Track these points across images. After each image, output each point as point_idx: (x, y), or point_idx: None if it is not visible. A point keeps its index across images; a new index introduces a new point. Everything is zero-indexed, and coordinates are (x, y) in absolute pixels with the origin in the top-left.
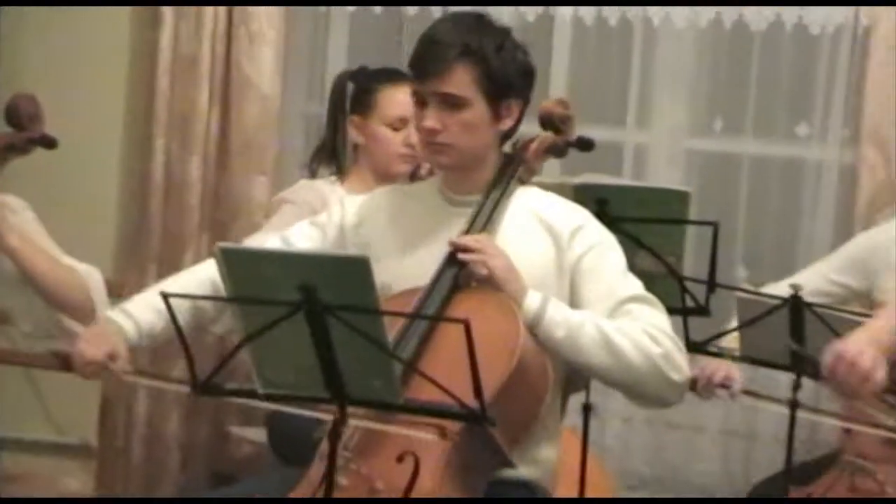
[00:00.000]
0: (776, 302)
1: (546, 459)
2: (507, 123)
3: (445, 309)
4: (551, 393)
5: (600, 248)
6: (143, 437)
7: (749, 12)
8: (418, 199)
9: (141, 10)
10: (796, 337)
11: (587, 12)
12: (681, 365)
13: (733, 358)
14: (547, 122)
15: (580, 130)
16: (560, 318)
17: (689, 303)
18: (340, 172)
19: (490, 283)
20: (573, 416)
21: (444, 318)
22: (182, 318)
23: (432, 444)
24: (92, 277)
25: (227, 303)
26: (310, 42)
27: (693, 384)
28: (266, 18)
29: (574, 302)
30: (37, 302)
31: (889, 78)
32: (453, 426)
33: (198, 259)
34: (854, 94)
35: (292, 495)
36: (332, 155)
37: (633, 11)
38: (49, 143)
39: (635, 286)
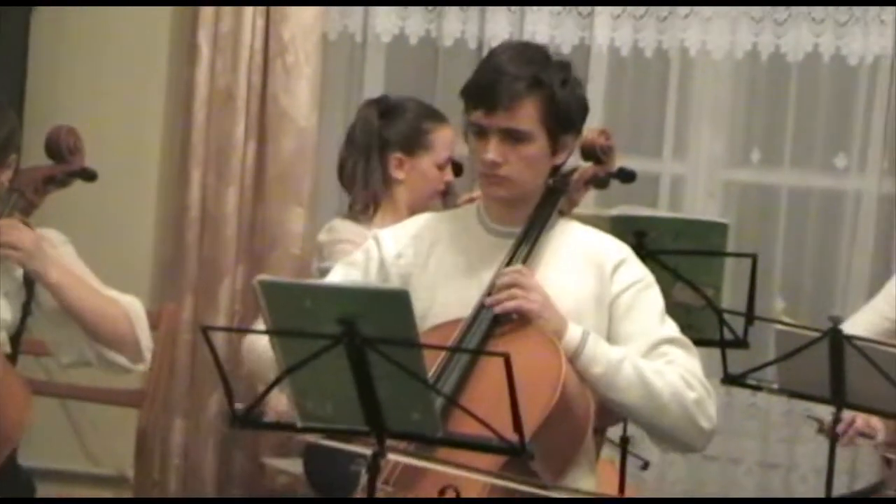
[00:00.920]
0: (815, 335)
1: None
2: (561, 157)
3: (486, 342)
4: (592, 426)
5: (640, 286)
6: (179, 469)
7: (786, 43)
8: (457, 227)
9: (178, 44)
10: (836, 369)
11: (623, 42)
12: (712, 414)
13: (771, 391)
14: (589, 153)
15: (618, 162)
16: (599, 355)
17: (728, 335)
18: (372, 207)
19: (534, 319)
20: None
21: (484, 352)
22: None
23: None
24: (134, 308)
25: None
26: (346, 74)
27: (831, 430)
28: (302, 51)
29: (610, 337)
30: (78, 334)
31: None
32: (498, 461)
33: (234, 290)
34: (893, 124)
35: None
36: (360, 188)
37: (670, 42)
38: (89, 175)
39: (672, 328)
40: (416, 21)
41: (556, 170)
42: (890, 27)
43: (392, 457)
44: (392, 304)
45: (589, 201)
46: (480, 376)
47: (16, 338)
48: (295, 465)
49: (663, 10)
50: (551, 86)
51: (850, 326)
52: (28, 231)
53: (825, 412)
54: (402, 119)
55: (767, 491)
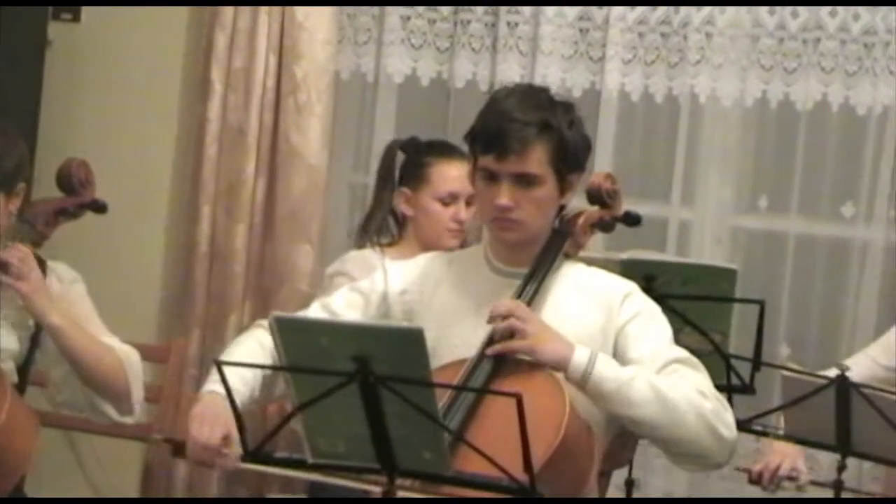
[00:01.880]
0: (822, 382)
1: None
2: (568, 197)
3: (491, 381)
4: (596, 468)
5: (647, 315)
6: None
7: (796, 91)
8: (464, 267)
9: (191, 80)
10: (842, 417)
11: (634, 88)
12: (730, 422)
13: (777, 437)
14: (595, 196)
15: (625, 206)
16: (610, 372)
17: (735, 381)
18: (390, 242)
19: (531, 356)
20: (614, 491)
21: (495, 392)
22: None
23: None
24: (129, 360)
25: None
26: (357, 113)
27: (758, 477)
28: (314, 90)
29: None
30: (73, 377)
31: None
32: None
33: (241, 325)
34: None
35: None
36: (381, 225)
37: (680, 88)
38: (99, 208)
39: (680, 350)
40: (427, 62)
41: (561, 210)
42: None
43: (401, 494)
44: (406, 342)
45: (598, 245)
46: (485, 415)
47: (24, 368)
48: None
49: (674, 57)
50: (560, 129)
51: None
52: (35, 266)
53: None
54: (413, 154)
55: None
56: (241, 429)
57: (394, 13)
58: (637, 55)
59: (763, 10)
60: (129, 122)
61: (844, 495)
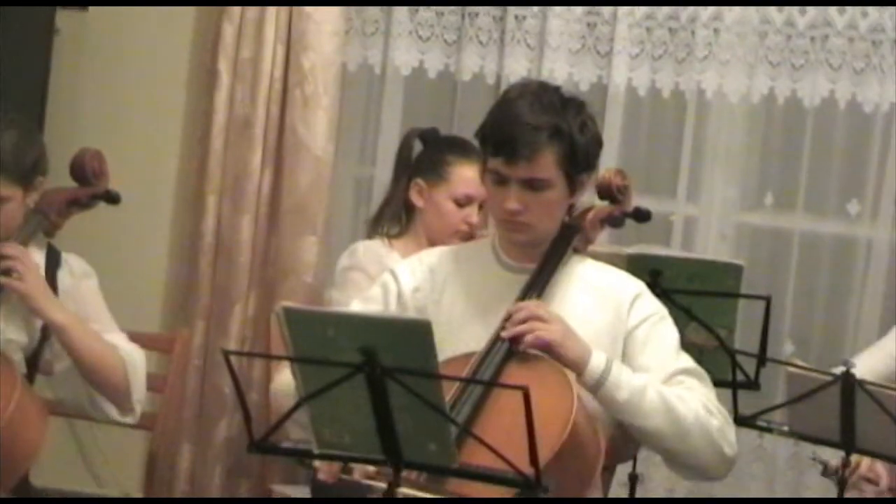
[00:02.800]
0: (827, 378)
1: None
2: (578, 196)
3: (499, 376)
4: (601, 463)
5: (655, 319)
6: (186, 494)
7: (803, 88)
8: (473, 263)
9: (198, 71)
10: (847, 414)
11: (641, 83)
12: (733, 441)
13: (781, 433)
14: (605, 192)
15: (633, 202)
16: (624, 381)
17: (739, 376)
18: (397, 233)
19: (550, 353)
20: (616, 486)
21: (503, 385)
22: None
23: None
24: (132, 359)
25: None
26: (364, 106)
27: (834, 472)
28: (321, 81)
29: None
30: (74, 373)
31: None
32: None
33: (245, 317)
34: None
35: None
36: (395, 213)
37: (687, 83)
38: (113, 198)
39: (687, 360)
40: (435, 55)
41: (571, 207)
42: None
43: (407, 491)
44: (414, 334)
45: (603, 240)
46: (492, 409)
47: (33, 359)
48: (303, 493)
49: (681, 52)
50: (570, 133)
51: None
52: (32, 263)
53: (832, 456)
54: (433, 148)
55: None
56: (247, 419)
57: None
58: (644, 50)
59: (771, 7)
60: (136, 113)
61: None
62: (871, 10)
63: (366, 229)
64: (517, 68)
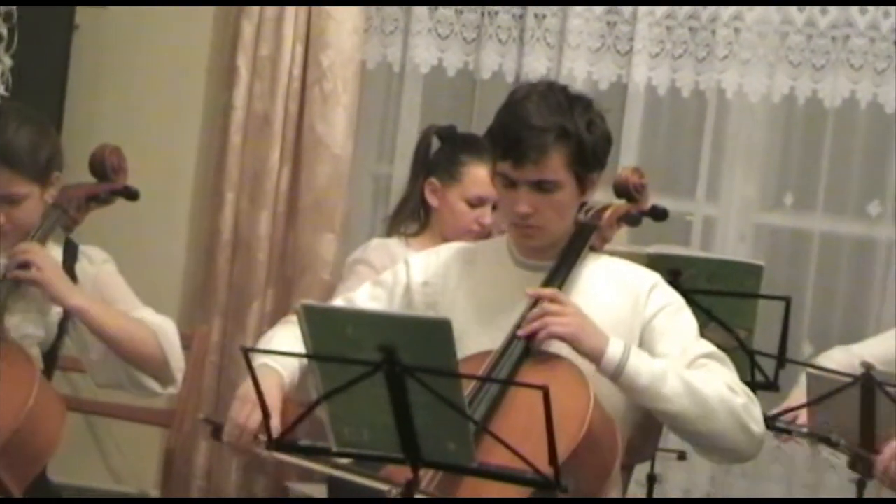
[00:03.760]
0: (847, 380)
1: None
2: (589, 194)
3: (516, 374)
4: (619, 461)
5: (673, 308)
6: (202, 491)
7: (824, 88)
8: (488, 260)
9: (217, 67)
10: (867, 415)
11: (661, 82)
12: (759, 418)
13: (801, 435)
14: (622, 190)
15: (651, 200)
16: (643, 366)
17: (759, 377)
18: (415, 232)
19: (572, 344)
20: (634, 487)
21: (523, 384)
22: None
23: None
24: (164, 330)
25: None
26: (382, 103)
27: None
28: (340, 79)
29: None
30: (111, 356)
31: None
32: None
33: (263, 314)
34: None
35: None
36: (413, 211)
37: (707, 83)
38: (132, 194)
39: (707, 345)
40: (454, 53)
41: (583, 204)
42: None
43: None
44: (433, 333)
45: (623, 239)
46: (508, 408)
47: (51, 354)
48: (319, 491)
49: (701, 51)
50: (578, 133)
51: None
52: (47, 254)
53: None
54: (449, 147)
55: None
56: (265, 416)
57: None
58: (665, 49)
59: (792, 7)
60: (155, 109)
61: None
62: (893, 10)
63: (383, 227)
64: (537, 67)
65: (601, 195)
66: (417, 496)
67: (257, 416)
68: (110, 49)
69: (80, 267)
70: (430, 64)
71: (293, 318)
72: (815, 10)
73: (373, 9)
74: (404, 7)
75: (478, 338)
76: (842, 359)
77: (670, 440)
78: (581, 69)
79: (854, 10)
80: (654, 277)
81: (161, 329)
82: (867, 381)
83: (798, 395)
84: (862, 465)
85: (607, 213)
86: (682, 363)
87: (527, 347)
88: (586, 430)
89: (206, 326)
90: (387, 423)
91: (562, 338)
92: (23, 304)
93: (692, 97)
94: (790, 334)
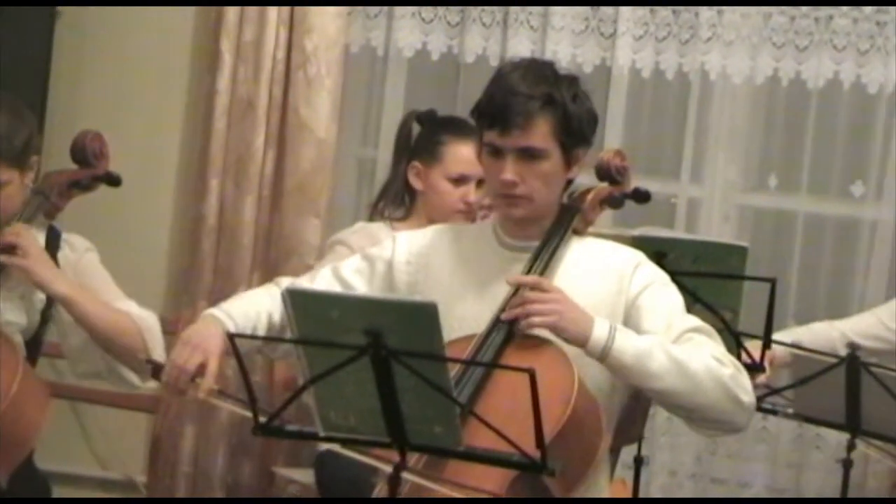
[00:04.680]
0: (833, 360)
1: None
2: (575, 171)
3: (500, 357)
4: (604, 444)
5: (657, 285)
6: (188, 476)
7: (807, 69)
8: (473, 241)
9: (200, 52)
10: (852, 395)
11: (645, 64)
12: (748, 387)
13: (787, 415)
14: (604, 173)
15: (634, 183)
16: (629, 345)
17: (745, 359)
18: (407, 215)
19: (556, 332)
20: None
21: (508, 367)
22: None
23: (486, 492)
24: (147, 323)
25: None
26: (367, 87)
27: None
28: (324, 63)
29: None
30: (91, 346)
31: None
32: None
33: None
34: None
35: None
36: (396, 196)
37: (691, 65)
38: (113, 180)
39: (694, 319)
40: (438, 37)
41: (569, 184)
42: None
43: (407, 476)
44: (420, 316)
45: (606, 221)
46: (493, 391)
47: (34, 341)
48: (306, 475)
49: (685, 33)
50: (564, 102)
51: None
52: (33, 239)
53: (836, 438)
54: (429, 129)
55: None
56: (252, 401)
57: None
58: (648, 31)
59: None
60: (139, 94)
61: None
62: None
63: (368, 211)
64: (520, 50)
65: (584, 179)
66: (408, 476)
67: (196, 359)
68: (93, 35)
69: (63, 255)
70: (414, 48)
71: (279, 281)
72: None
73: None
74: None
75: (462, 317)
76: (820, 329)
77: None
78: (565, 52)
79: None
80: (638, 256)
81: (144, 322)
82: (853, 362)
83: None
84: None
85: (590, 196)
86: (668, 338)
87: (510, 331)
88: (570, 411)
89: (190, 311)
90: (373, 406)
91: (547, 327)
92: (4, 290)
93: (676, 79)
94: (775, 315)
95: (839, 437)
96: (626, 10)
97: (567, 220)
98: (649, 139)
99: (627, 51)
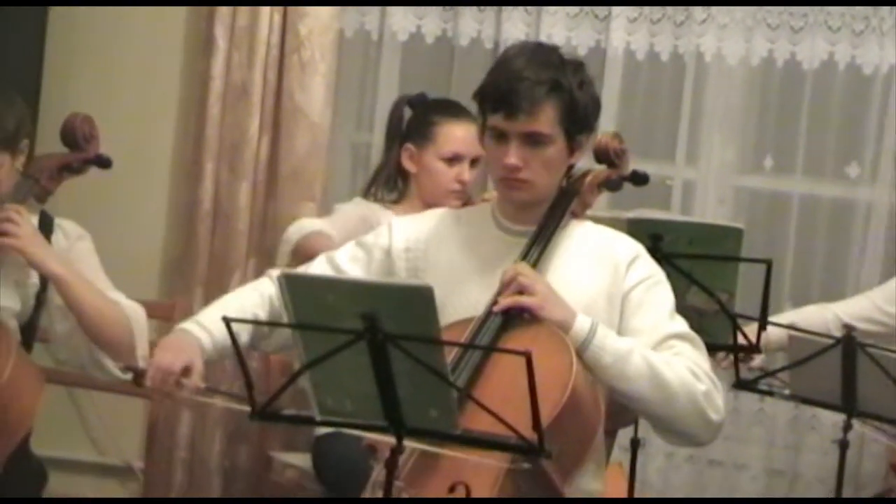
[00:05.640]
0: (829, 342)
1: (593, 492)
2: (577, 157)
3: (498, 341)
4: (602, 426)
5: (651, 282)
6: (185, 462)
7: (802, 50)
8: (471, 225)
9: (194, 37)
10: (848, 376)
11: (639, 46)
12: (720, 406)
13: (783, 397)
14: (602, 155)
15: (630, 165)
16: (608, 345)
17: (741, 340)
18: (400, 198)
19: (539, 313)
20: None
21: (505, 350)
22: (243, 336)
23: (484, 474)
24: (136, 315)
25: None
26: (361, 71)
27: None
28: (318, 47)
29: (620, 332)
30: (78, 333)
31: None
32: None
33: (244, 283)
34: None
35: None
36: (388, 180)
37: (685, 46)
38: (104, 163)
39: (680, 324)
40: (432, 20)
41: (570, 169)
42: None
43: (408, 444)
44: (416, 300)
45: (602, 204)
46: (490, 374)
47: (28, 326)
48: (303, 460)
49: (680, 15)
50: (570, 89)
51: (839, 307)
52: (27, 219)
53: (833, 419)
54: (420, 111)
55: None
56: (249, 386)
57: None
58: (643, 13)
59: None
60: (132, 80)
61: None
62: None
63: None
64: (515, 33)
65: (581, 162)
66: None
67: (180, 361)
68: (86, 20)
69: (55, 240)
70: (409, 31)
71: (270, 273)
72: None
73: None
74: None
75: (460, 301)
76: (813, 311)
77: None
78: (560, 35)
79: None
80: (636, 248)
81: (134, 314)
82: (849, 343)
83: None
84: None
85: (588, 179)
86: (652, 339)
87: (509, 313)
88: (569, 394)
89: (187, 297)
90: (369, 391)
91: (527, 308)
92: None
93: (671, 61)
94: (771, 296)
95: (835, 419)
96: None
97: (564, 203)
98: (644, 121)
99: (622, 33)
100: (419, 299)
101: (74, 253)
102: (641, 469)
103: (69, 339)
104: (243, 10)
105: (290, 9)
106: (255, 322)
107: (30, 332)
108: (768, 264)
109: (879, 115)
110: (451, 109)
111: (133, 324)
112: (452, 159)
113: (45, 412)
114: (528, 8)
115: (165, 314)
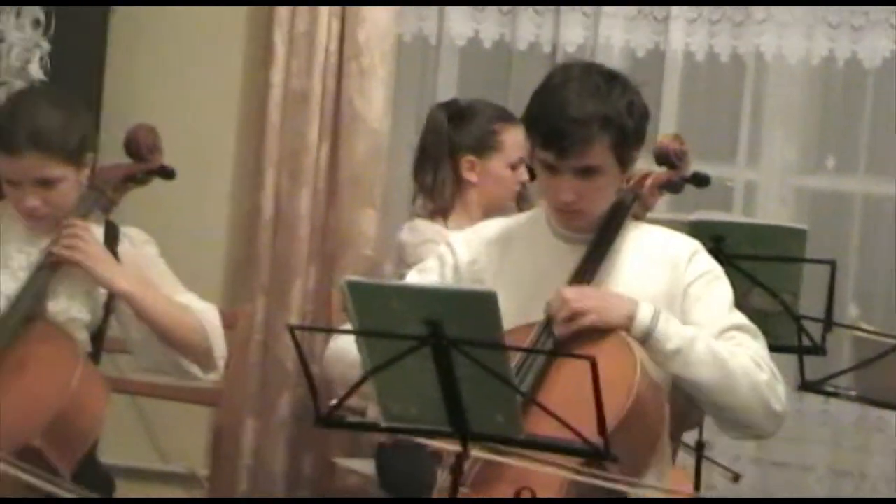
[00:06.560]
0: (894, 342)
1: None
2: (630, 170)
3: (560, 345)
4: (667, 429)
5: (710, 277)
6: (250, 469)
7: (863, 49)
8: (527, 234)
9: (253, 48)
10: None
11: (698, 47)
12: (782, 396)
13: (849, 398)
14: (663, 157)
15: (691, 166)
16: (672, 331)
17: (805, 342)
18: (444, 210)
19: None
20: (683, 454)
21: (569, 355)
22: None
23: (549, 479)
24: (208, 317)
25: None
26: (419, 77)
27: None
28: (378, 54)
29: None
30: (153, 340)
31: None
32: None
33: (306, 291)
34: None
35: None
36: (431, 192)
37: (745, 47)
38: (168, 173)
39: (740, 317)
40: (490, 24)
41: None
42: None
43: (474, 453)
44: (479, 305)
45: (661, 206)
46: (555, 379)
47: (98, 336)
48: (366, 466)
49: (739, 15)
50: (619, 117)
51: None
52: (93, 236)
53: None
54: (473, 121)
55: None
56: (313, 393)
57: None
58: (702, 14)
59: None
60: (193, 89)
61: None
62: None
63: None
64: (573, 37)
65: (641, 163)
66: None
67: None
68: (147, 29)
69: (122, 248)
70: (467, 36)
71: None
72: None
73: None
74: None
75: (521, 311)
76: None
77: None
78: (618, 38)
79: None
80: (695, 245)
81: (206, 316)
82: None
83: None
84: None
85: (648, 182)
86: (712, 331)
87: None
88: (634, 398)
89: (249, 305)
90: (434, 396)
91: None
92: (68, 285)
93: (730, 62)
94: (835, 297)
95: None
96: None
97: (624, 208)
98: (704, 123)
99: (681, 34)
100: (483, 305)
101: (143, 258)
102: (707, 472)
103: (146, 346)
104: (302, 17)
105: (349, 15)
106: (321, 329)
107: (99, 341)
108: (832, 265)
109: None
110: (504, 115)
111: (206, 325)
112: (518, 164)
113: (111, 421)
114: (587, 10)
115: (228, 323)
